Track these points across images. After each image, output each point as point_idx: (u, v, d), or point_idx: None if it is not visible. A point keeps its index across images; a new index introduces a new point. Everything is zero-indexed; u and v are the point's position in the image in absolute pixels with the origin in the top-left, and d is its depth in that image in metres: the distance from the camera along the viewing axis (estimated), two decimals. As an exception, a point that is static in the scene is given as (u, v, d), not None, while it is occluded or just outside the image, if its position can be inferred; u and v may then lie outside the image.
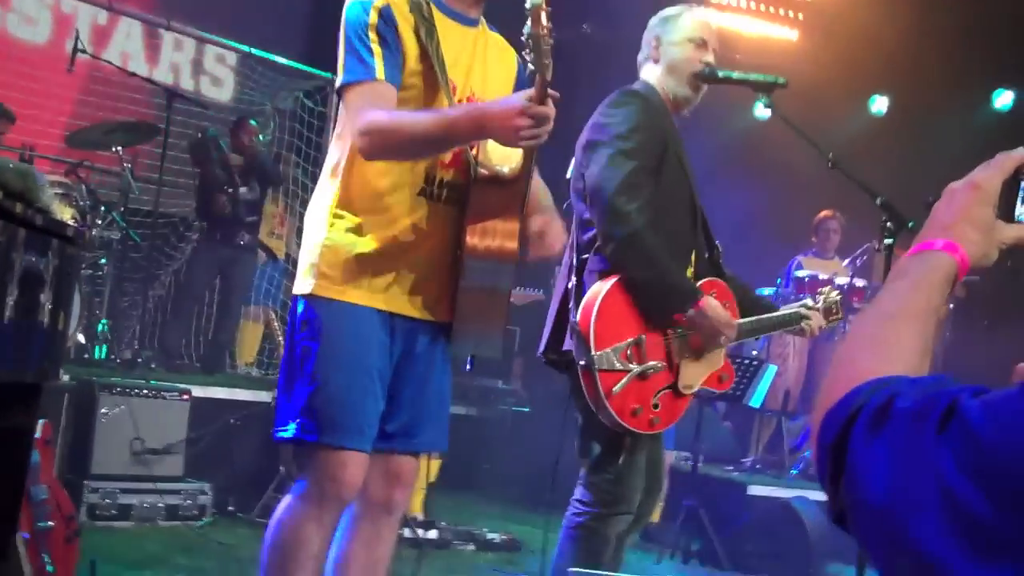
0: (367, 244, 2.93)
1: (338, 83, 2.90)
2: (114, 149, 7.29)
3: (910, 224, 3.64)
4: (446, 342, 3.08)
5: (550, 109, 2.70)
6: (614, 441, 3.63)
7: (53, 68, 8.73)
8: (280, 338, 8.57)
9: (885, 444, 1.02)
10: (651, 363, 3.61)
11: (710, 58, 3.88)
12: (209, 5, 9.54)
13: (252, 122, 8.22)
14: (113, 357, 7.07)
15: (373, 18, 2.88)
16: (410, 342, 3.03)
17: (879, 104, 10.54)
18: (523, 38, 2.69)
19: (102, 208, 7.10)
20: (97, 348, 6.99)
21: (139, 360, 6.99)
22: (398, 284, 2.97)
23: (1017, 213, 1.32)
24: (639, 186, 3.60)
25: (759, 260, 8.56)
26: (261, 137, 8.31)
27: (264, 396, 6.68)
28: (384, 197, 2.94)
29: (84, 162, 7.46)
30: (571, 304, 3.64)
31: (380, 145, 2.84)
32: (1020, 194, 1.31)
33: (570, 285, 3.70)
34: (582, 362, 3.53)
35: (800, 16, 10.60)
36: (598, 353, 3.52)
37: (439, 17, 2.99)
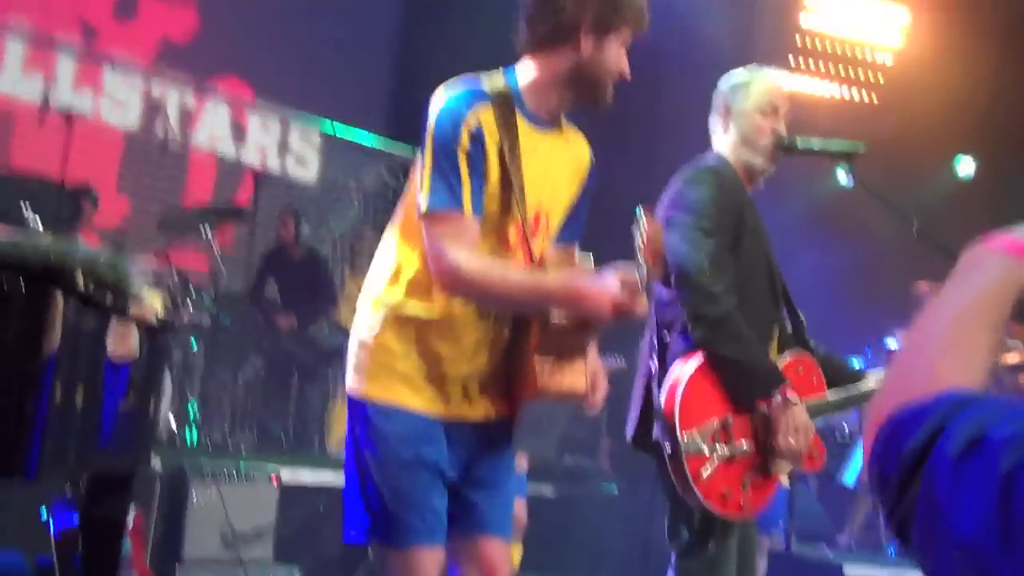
0: (427, 350, 2.89)
1: (423, 204, 2.80)
2: (203, 233, 7.43)
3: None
4: (508, 438, 3.08)
5: (642, 306, 2.74)
6: (704, 526, 3.53)
7: (144, 151, 8.97)
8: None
9: (975, 478, 0.97)
10: (739, 445, 3.51)
11: (781, 126, 3.81)
12: (294, 83, 9.74)
13: (296, 213, 8.36)
14: (204, 441, 7.13)
15: (464, 141, 2.79)
16: (472, 446, 3.00)
17: (965, 166, 10.38)
18: (640, 248, 2.70)
19: (192, 291, 7.22)
20: (188, 431, 7.06)
21: (230, 443, 7.05)
22: (456, 390, 2.94)
23: None
24: (724, 264, 3.55)
25: (844, 329, 8.41)
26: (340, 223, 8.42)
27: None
28: (446, 307, 2.89)
29: (175, 245, 7.61)
30: (655, 386, 3.58)
31: (460, 290, 2.82)
32: None
33: (653, 368, 3.64)
34: (668, 446, 3.44)
35: (880, 78, 10.51)
36: (685, 436, 3.43)
37: (524, 129, 2.91)
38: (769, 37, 10.05)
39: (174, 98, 9.38)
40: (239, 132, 9.90)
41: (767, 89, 3.86)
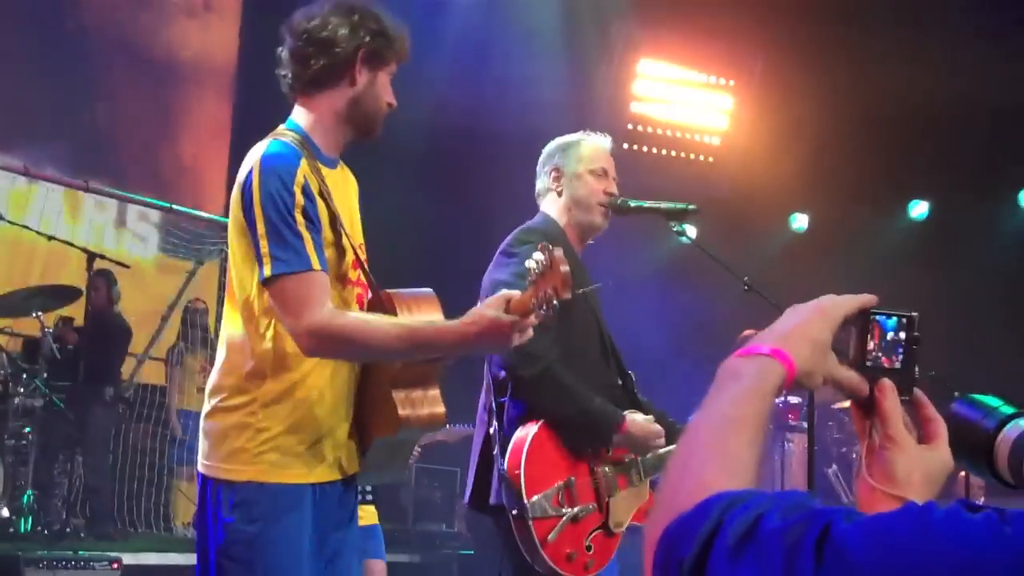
0: (297, 418, 2.80)
1: (267, 272, 2.69)
2: (34, 314, 7.17)
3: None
4: (351, 491, 3.01)
5: (532, 322, 2.72)
6: None
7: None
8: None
9: (754, 568, 0.99)
10: (583, 505, 3.53)
11: (613, 187, 3.89)
12: (128, 165, 9.56)
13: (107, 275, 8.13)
14: (40, 528, 6.85)
15: (299, 199, 2.73)
16: (329, 504, 2.90)
17: (800, 221, 10.73)
18: (539, 278, 2.67)
19: (23, 376, 6.95)
20: (23, 520, 6.77)
21: (68, 530, 6.78)
22: (327, 451, 2.86)
23: (871, 355, 1.34)
24: (544, 326, 3.58)
25: (686, 382, 8.54)
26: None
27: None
28: (312, 366, 2.82)
29: (5, 329, 7.33)
30: (495, 450, 3.56)
31: (331, 350, 2.76)
32: (872, 336, 1.34)
33: (492, 430, 3.63)
34: (515, 511, 3.43)
35: (715, 140, 10.81)
36: (531, 501, 3.43)
37: (324, 171, 2.89)
38: (603, 122, 10.30)
39: (4, 180, 9.11)
40: (73, 212, 9.67)
41: (597, 151, 3.93)
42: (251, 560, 2.73)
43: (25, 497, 6.83)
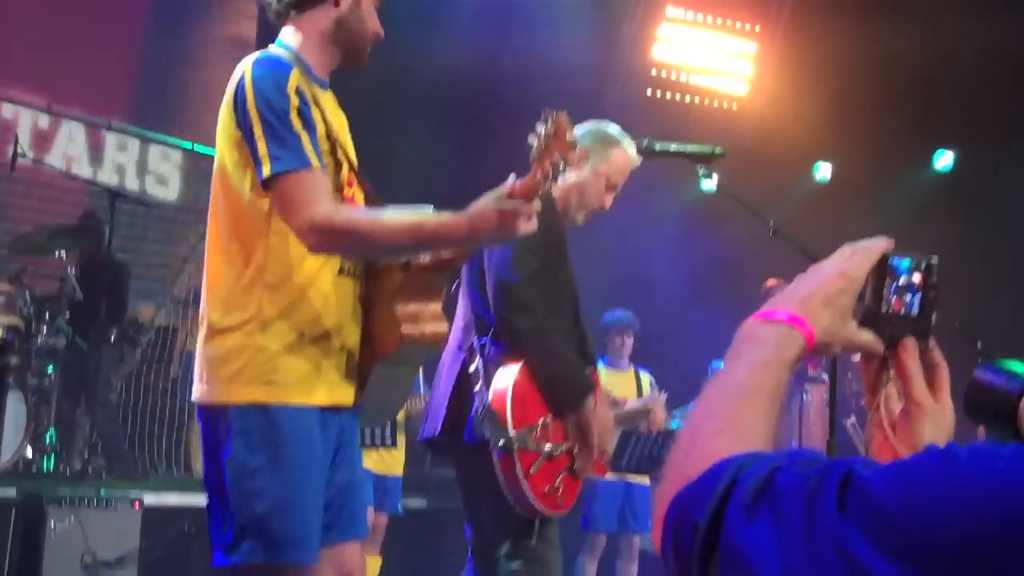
0: (298, 336, 2.77)
1: (265, 172, 2.70)
2: (57, 254, 7.19)
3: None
4: (356, 424, 3.01)
5: (536, 206, 2.68)
6: (525, 524, 3.63)
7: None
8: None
9: (771, 522, 0.99)
10: (556, 444, 3.67)
11: (609, 201, 3.97)
12: (152, 105, 9.53)
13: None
14: (63, 468, 6.91)
15: (294, 100, 2.74)
16: (341, 431, 2.91)
17: (823, 171, 10.63)
18: (539, 143, 2.64)
19: (47, 315, 6.97)
20: (45, 460, 6.83)
21: (89, 470, 6.83)
22: (330, 373, 2.84)
23: (888, 300, 1.31)
24: (540, 281, 3.68)
25: (707, 326, 8.55)
26: None
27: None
28: (311, 281, 2.80)
29: (27, 268, 7.35)
30: (480, 387, 3.63)
31: (337, 243, 2.75)
32: (888, 281, 1.31)
33: (473, 368, 3.68)
34: (501, 442, 3.53)
35: (742, 87, 10.70)
36: (516, 433, 3.54)
37: (317, 89, 2.91)
38: (625, 66, 10.23)
39: (26, 118, 9.10)
40: (96, 153, 9.65)
41: (624, 165, 3.97)
42: (258, 490, 2.71)
43: (48, 436, 6.89)
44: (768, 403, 1.18)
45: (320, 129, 2.81)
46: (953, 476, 0.95)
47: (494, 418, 3.55)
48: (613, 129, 4.01)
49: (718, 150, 3.89)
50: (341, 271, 2.88)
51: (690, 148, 3.92)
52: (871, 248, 1.30)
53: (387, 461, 7.11)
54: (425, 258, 2.92)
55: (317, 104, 2.83)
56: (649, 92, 10.16)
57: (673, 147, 3.93)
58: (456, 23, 9.29)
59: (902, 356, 1.30)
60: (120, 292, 7.76)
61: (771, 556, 0.98)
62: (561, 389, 3.69)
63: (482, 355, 3.68)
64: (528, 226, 2.68)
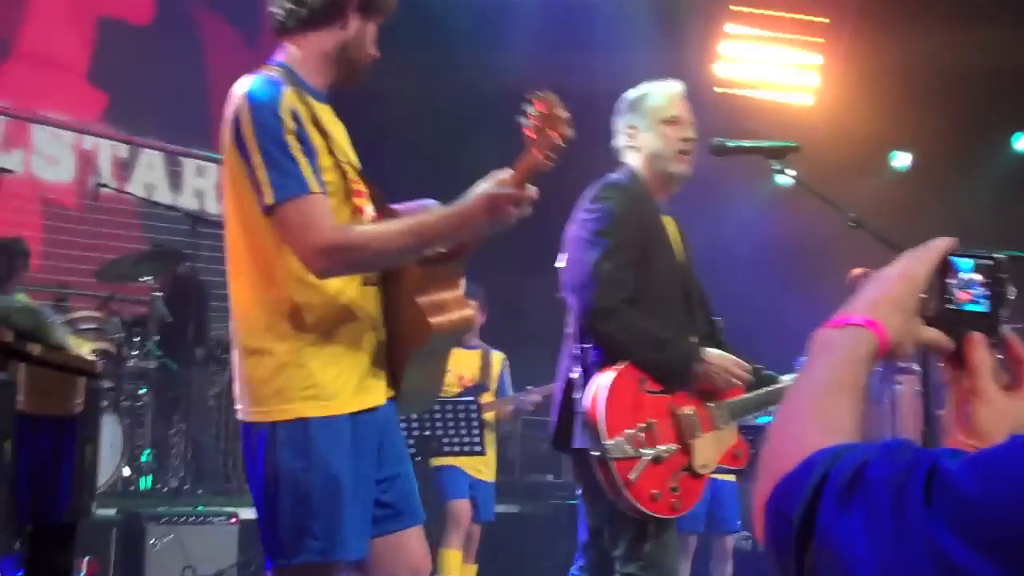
0: (328, 350, 2.86)
1: (267, 200, 2.75)
2: (143, 279, 7.33)
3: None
4: (395, 417, 3.08)
5: (532, 192, 2.80)
6: (639, 528, 3.60)
7: (79, 205, 8.89)
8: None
9: (863, 513, 1.01)
10: (664, 446, 3.60)
11: (688, 132, 3.91)
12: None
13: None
14: (159, 487, 7.04)
15: (289, 123, 2.78)
16: (381, 429, 2.99)
17: (901, 159, 10.49)
18: (527, 121, 2.75)
19: (137, 339, 7.12)
20: (142, 479, 6.97)
21: (185, 487, 6.96)
22: (363, 379, 2.92)
23: (952, 297, 1.34)
24: (624, 280, 3.66)
25: (788, 322, 8.49)
26: None
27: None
28: (337, 295, 2.87)
29: (115, 294, 7.51)
30: (579, 394, 3.64)
31: (344, 264, 2.82)
32: (951, 280, 1.34)
33: (573, 375, 3.69)
34: (596, 453, 3.51)
35: (814, 82, 10.60)
36: (611, 442, 3.50)
37: (314, 103, 2.94)
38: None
39: (107, 150, 9.30)
40: (175, 180, 9.83)
41: (666, 99, 3.95)
42: (302, 496, 2.80)
43: (144, 456, 7.03)
44: (852, 398, 1.21)
45: (320, 146, 2.86)
46: None
47: (589, 428, 3.54)
48: (632, 91, 4.01)
49: (793, 143, 3.87)
50: (365, 282, 2.95)
51: (765, 144, 3.92)
52: (932, 249, 1.33)
53: (478, 467, 7.14)
54: (441, 248, 2.97)
55: (315, 119, 2.87)
56: (717, 90, 10.11)
57: (747, 144, 3.93)
58: (519, 42, 9.34)
59: (968, 351, 1.31)
60: (204, 313, 7.90)
61: (863, 548, 0.99)
62: (667, 370, 3.66)
63: (582, 362, 3.68)
64: (520, 211, 2.78)
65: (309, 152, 2.80)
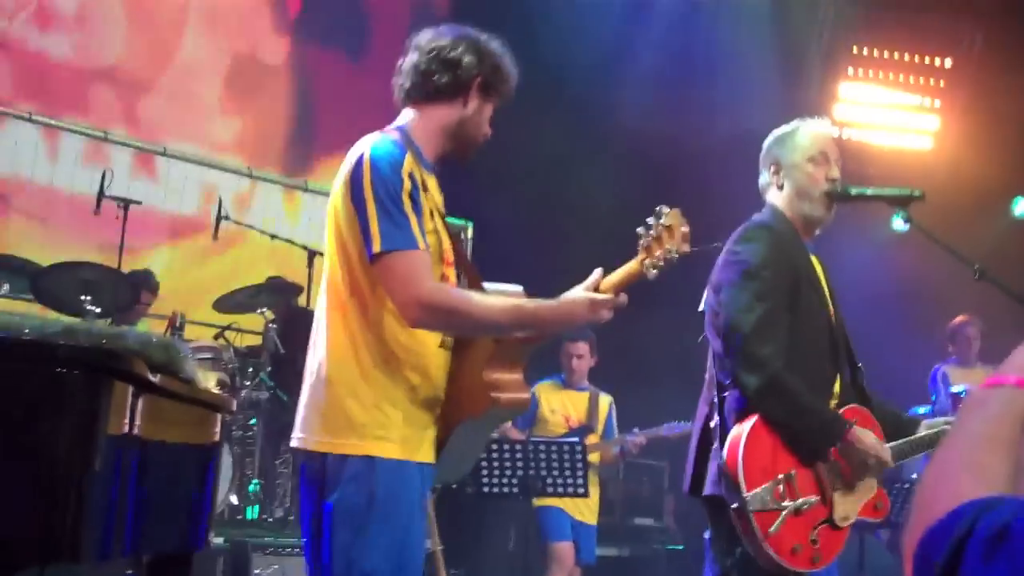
0: (405, 398, 3.00)
1: (376, 246, 2.92)
2: (259, 311, 7.47)
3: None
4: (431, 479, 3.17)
5: (623, 300, 2.98)
6: None
7: (201, 236, 9.10)
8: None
9: (1007, 566, 1.02)
10: (805, 499, 3.51)
11: (835, 172, 3.83)
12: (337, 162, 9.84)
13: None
14: (265, 517, 7.14)
15: (407, 183, 2.97)
16: (424, 486, 3.10)
17: (1022, 207, 10.23)
18: (646, 235, 2.95)
19: (250, 369, 7.25)
20: (249, 509, 7.07)
21: (291, 518, 7.04)
22: (427, 433, 3.06)
23: None
24: (773, 326, 3.56)
25: (910, 372, 8.33)
26: None
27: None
28: (415, 350, 3.02)
29: (231, 325, 7.66)
30: (715, 444, 3.58)
31: (438, 321, 2.97)
32: None
33: (713, 423, 3.63)
34: (735, 505, 3.45)
35: (933, 126, 10.43)
36: (750, 494, 3.43)
37: (425, 173, 3.12)
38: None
39: (228, 183, 9.51)
40: (292, 213, 10.01)
41: (814, 137, 3.86)
42: (363, 527, 2.91)
43: (252, 485, 7.13)
44: (1006, 452, 1.23)
45: (427, 209, 3.03)
46: None
47: (728, 479, 3.49)
48: (781, 128, 3.96)
49: (916, 192, 3.80)
50: (442, 344, 3.09)
51: (887, 191, 3.85)
52: None
53: (580, 509, 7.12)
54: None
55: (425, 187, 3.05)
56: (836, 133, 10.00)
57: (870, 191, 3.87)
58: (641, 78, 9.34)
59: None
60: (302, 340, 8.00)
61: None
62: (803, 441, 3.55)
63: (720, 410, 3.63)
64: (610, 314, 2.97)
65: (419, 213, 2.97)
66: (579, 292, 2.98)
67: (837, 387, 3.76)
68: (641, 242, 2.95)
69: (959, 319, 8.47)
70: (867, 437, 3.58)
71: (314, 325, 3.12)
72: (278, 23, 10.13)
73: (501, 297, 3.06)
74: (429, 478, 3.11)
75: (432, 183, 3.16)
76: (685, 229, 2.94)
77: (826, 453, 3.57)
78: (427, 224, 3.01)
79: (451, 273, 3.13)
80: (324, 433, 3.00)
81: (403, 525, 2.95)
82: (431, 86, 3.15)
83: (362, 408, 2.96)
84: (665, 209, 2.95)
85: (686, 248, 2.93)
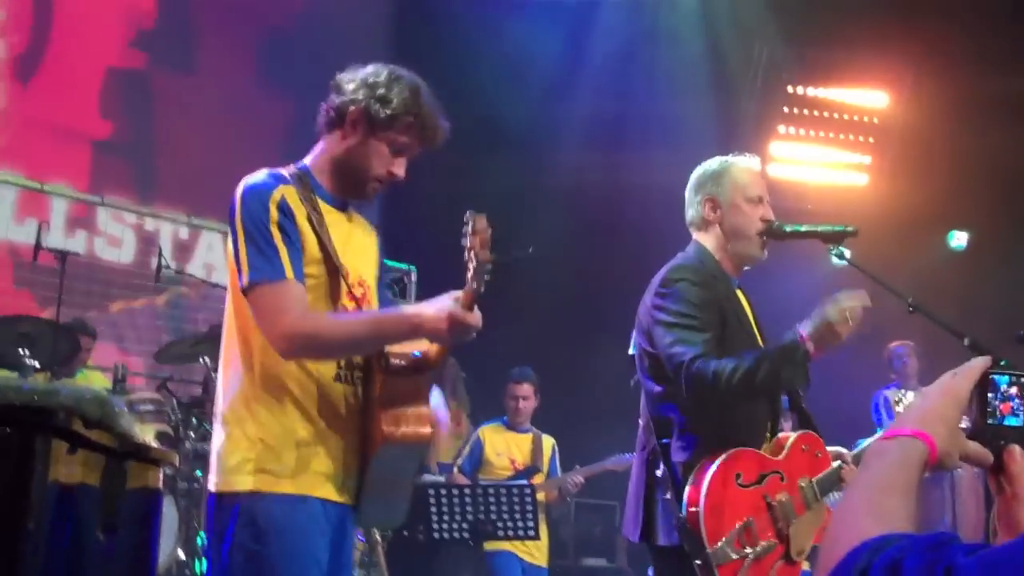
0: (297, 432, 2.94)
1: (244, 280, 2.91)
2: (201, 360, 7.39)
3: (1003, 363, 3.54)
4: (351, 523, 3.13)
5: (476, 318, 2.86)
6: None
7: (140, 286, 9.01)
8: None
9: None
10: (765, 543, 3.53)
11: (770, 213, 3.86)
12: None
13: None
14: (213, 569, 7.03)
15: (274, 214, 2.93)
16: (336, 529, 3.02)
17: (958, 239, 10.40)
18: (467, 250, 2.84)
19: (193, 420, 7.16)
20: (197, 563, 6.96)
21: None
22: (326, 469, 2.99)
23: (995, 410, 1.50)
24: (712, 351, 3.58)
25: (853, 406, 8.41)
26: None
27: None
28: (305, 384, 2.97)
29: (173, 376, 7.57)
30: (667, 495, 3.59)
31: (304, 349, 2.92)
32: (990, 396, 1.50)
33: (659, 472, 3.63)
34: (698, 561, 3.45)
35: (867, 161, 10.58)
36: (713, 549, 3.44)
37: (322, 205, 3.07)
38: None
39: (167, 230, 9.45)
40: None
41: (751, 177, 3.89)
42: (258, 568, 2.86)
43: (199, 539, 7.02)
44: (902, 496, 1.35)
45: (311, 241, 2.98)
46: None
47: (689, 535, 3.48)
48: (712, 162, 3.95)
49: (850, 228, 3.83)
50: (336, 378, 3.03)
51: (821, 228, 3.88)
52: (972, 368, 1.50)
53: (531, 552, 7.09)
54: (400, 361, 3.05)
55: (311, 217, 2.99)
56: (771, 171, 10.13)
57: (804, 228, 3.90)
58: (577, 137, 9.45)
59: (1007, 461, 1.49)
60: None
61: None
62: (781, 372, 3.55)
63: (665, 458, 3.63)
64: (471, 334, 2.90)
65: (291, 244, 2.93)
66: (441, 302, 2.90)
67: (771, 420, 3.80)
68: (466, 260, 2.87)
69: (894, 344, 8.61)
70: (818, 320, 3.54)
71: None
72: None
73: (359, 312, 3.04)
74: (345, 518, 3.05)
75: (332, 215, 3.09)
76: (485, 235, 2.84)
77: (805, 368, 3.64)
78: (312, 254, 2.98)
79: (351, 307, 3.08)
80: (218, 472, 2.98)
81: (301, 558, 2.89)
82: (325, 117, 3.14)
83: (249, 443, 2.91)
84: (472, 215, 2.87)
85: (486, 256, 2.83)
